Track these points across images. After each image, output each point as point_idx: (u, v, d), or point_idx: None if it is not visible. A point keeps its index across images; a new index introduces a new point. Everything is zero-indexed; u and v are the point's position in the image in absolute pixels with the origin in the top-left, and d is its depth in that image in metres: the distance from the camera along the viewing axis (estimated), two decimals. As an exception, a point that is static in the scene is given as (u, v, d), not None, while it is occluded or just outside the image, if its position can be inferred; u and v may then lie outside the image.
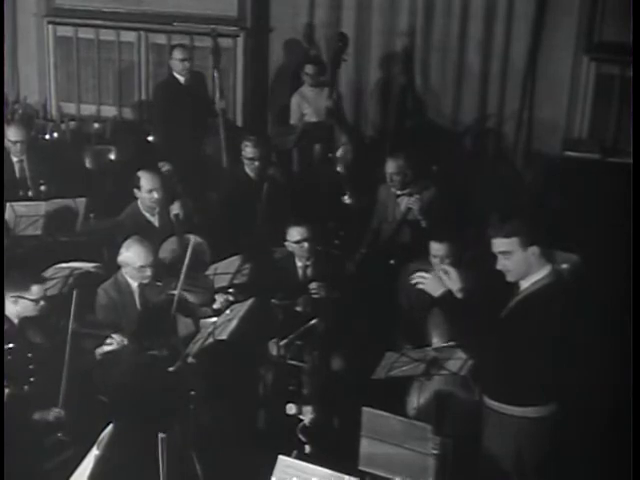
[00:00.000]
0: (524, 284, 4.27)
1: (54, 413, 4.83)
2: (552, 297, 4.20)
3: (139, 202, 6.41)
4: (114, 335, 5.09)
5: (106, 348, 5.10)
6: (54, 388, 4.88)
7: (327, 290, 5.75)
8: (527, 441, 4.35)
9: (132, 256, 5.48)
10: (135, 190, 6.36)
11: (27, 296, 4.96)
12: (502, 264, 4.25)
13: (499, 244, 4.22)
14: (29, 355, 4.89)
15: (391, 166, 6.72)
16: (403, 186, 6.71)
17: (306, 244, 5.83)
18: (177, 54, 8.03)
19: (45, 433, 4.81)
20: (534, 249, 4.18)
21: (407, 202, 6.61)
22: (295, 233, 5.87)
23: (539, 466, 4.43)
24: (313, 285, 5.75)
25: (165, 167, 7.52)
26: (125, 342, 5.10)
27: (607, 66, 8.40)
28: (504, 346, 4.21)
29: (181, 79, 8.05)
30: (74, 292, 5.01)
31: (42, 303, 5.02)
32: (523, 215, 4.31)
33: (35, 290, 4.98)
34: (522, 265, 4.22)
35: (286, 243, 5.91)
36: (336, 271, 6.03)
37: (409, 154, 6.85)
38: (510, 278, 4.28)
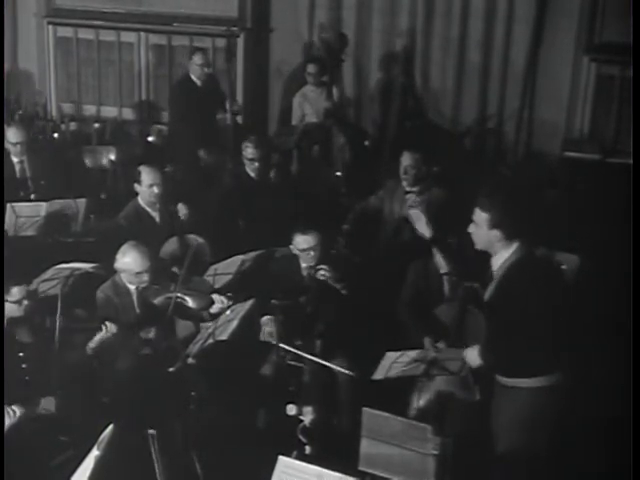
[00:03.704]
0: (495, 264, 4.47)
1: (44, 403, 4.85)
2: (523, 271, 4.39)
3: (139, 198, 6.41)
4: (105, 324, 5.09)
5: (96, 338, 5.10)
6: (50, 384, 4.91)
7: (333, 275, 5.73)
8: (535, 412, 4.44)
9: (129, 262, 5.46)
10: (135, 185, 6.36)
11: (8, 298, 4.97)
12: (472, 229, 4.51)
13: (475, 213, 4.49)
14: (20, 355, 4.91)
15: (407, 159, 6.63)
16: (415, 181, 6.66)
17: (312, 252, 5.79)
18: (197, 59, 8.13)
19: (45, 434, 4.82)
20: (496, 232, 4.40)
21: (413, 200, 6.58)
22: (301, 241, 5.76)
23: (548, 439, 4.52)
24: (322, 266, 5.72)
25: (169, 169, 7.57)
26: (114, 330, 5.09)
27: (607, 67, 8.42)
28: (497, 326, 4.39)
29: (197, 82, 8.13)
30: (59, 290, 5.02)
31: (26, 303, 5.02)
32: (501, 198, 4.46)
33: (15, 292, 4.98)
34: (485, 240, 4.47)
35: (291, 247, 5.88)
36: (340, 266, 6.01)
37: (421, 151, 6.83)
38: (477, 246, 4.53)
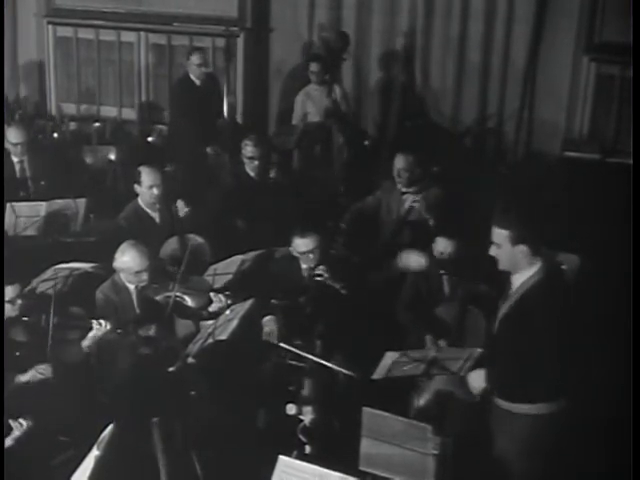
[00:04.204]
0: (515, 283, 4.33)
1: (39, 371, 4.85)
2: (545, 292, 4.25)
3: (139, 198, 6.41)
4: (96, 321, 5.08)
5: (90, 335, 5.08)
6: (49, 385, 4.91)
7: (332, 275, 5.73)
8: (535, 438, 4.36)
9: (128, 261, 5.45)
10: (135, 185, 6.36)
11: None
12: (494, 251, 4.34)
13: (494, 233, 4.32)
14: (17, 354, 4.91)
15: (400, 161, 6.65)
16: (410, 183, 6.67)
17: (311, 255, 5.79)
18: (195, 59, 8.14)
19: (45, 434, 4.82)
20: (522, 248, 4.25)
21: (412, 200, 6.59)
22: (300, 244, 5.75)
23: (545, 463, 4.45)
24: (320, 268, 5.72)
25: (170, 168, 7.58)
26: (108, 327, 5.08)
27: (607, 66, 8.43)
28: (507, 346, 4.25)
29: (197, 82, 8.14)
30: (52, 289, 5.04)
31: (20, 302, 5.01)
32: (521, 213, 4.34)
33: (9, 291, 4.97)
34: (509, 259, 4.30)
35: (290, 249, 5.88)
36: (339, 268, 6.01)
37: (420, 151, 6.82)
38: (500, 266, 4.37)
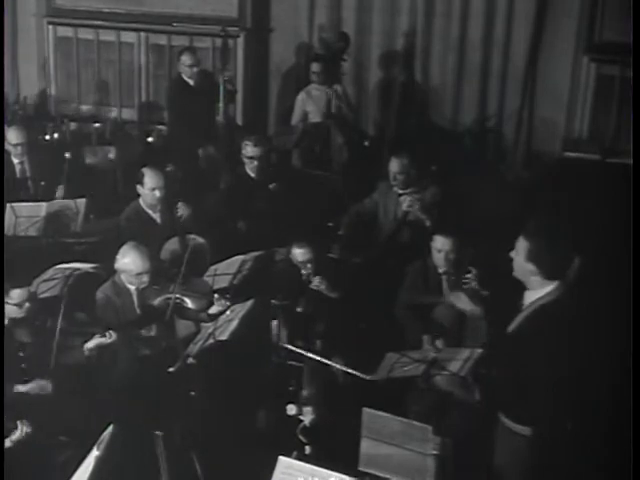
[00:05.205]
0: (527, 299, 4.24)
1: (40, 384, 4.86)
2: (556, 313, 4.15)
3: (140, 199, 6.40)
4: (107, 332, 5.08)
5: (94, 341, 5.09)
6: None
7: (328, 285, 5.75)
8: (533, 456, 4.29)
9: (128, 263, 5.46)
10: (138, 186, 6.36)
11: (9, 301, 4.97)
12: (513, 255, 4.25)
13: (519, 239, 4.22)
14: (20, 354, 4.91)
15: (395, 165, 6.67)
16: (406, 186, 6.69)
17: (309, 265, 5.81)
18: (186, 59, 8.11)
19: (45, 434, 4.82)
20: (531, 267, 4.15)
21: (409, 201, 6.60)
22: (299, 254, 5.82)
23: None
24: (316, 280, 5.75)
25: (170, 168, 7.58)
26: (114, 336, 5.08)
27: (607, 67, 8.44)
28: (513, 361, 4.20)
29: (190, 82, 8.12)
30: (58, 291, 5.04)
31: (27, 305, 5.01)
32: (551, 238, 4.20)
33: (16, 294, 4.97)
34: (520, 269, 4.22)
35: (290, 256, 5.90)
36: (337, 271, 6.02)
37: (413, 154, 6.83)
38: (514, 272, 4.26)
